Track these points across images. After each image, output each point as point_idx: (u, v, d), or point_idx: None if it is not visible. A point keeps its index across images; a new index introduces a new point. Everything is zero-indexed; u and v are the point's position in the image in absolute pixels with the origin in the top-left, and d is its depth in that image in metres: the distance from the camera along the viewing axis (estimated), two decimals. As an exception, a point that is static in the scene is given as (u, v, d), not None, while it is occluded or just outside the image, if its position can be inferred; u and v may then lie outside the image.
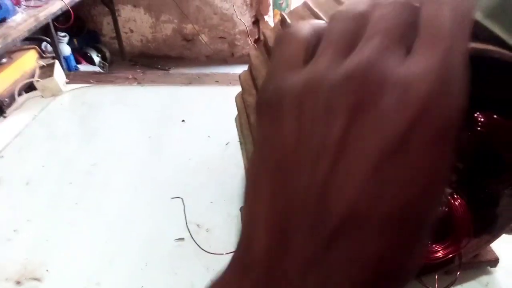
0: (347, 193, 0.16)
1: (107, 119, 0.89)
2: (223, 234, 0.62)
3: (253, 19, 2.80)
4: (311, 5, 0.45)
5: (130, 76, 1.04)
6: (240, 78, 0.52)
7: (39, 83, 0.95)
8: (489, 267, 0.55)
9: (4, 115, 0.90)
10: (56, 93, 0.96)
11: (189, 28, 2.90)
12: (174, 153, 0.78)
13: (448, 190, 0.46)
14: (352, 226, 0.15)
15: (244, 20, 2.81)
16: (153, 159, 0.77)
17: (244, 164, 0.48)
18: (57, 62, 0.98)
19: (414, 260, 0.17)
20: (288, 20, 0.46)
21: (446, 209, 0.46)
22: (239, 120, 0.51)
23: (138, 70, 1.35)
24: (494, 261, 0.54)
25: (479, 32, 0.34)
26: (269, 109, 0.19)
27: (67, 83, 1.01)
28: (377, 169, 0.16)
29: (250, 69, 0.50)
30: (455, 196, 0.46)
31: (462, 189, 0.46)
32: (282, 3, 2.59)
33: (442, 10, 0.17)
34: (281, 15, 0.48)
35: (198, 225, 0.63)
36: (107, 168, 0.74)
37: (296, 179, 0.17)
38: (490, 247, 0.55)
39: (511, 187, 0.46)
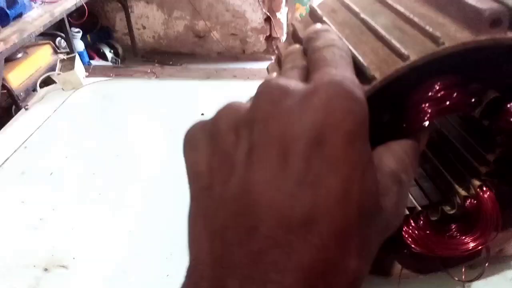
0: (266, 200, 0.16)
1: (128, 112, 0.90)
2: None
3: (265, 16, 2.80)
4: (341, -4, 0.45)
5: (149, 71, 1.05)
6: (268, 69, 0.53)
7: (60, 76, 0.96)
8: (514, 262, 0.55)
9: (26, 107, 0.92)
10: (76, 86, 0.97)
11: (201, 24, 2.91)
12: (195, 146, 0.78)
13: (477, 182, 0.46)
14: (278, 232, 0.15)
15: (256, 17, 2.81)
16: (176, 151, 0.77)
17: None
18: (77, 55, 0.99)
19: (357, 260, 0.16)
20: (319, 12, 0.46)
21: (475, 201, 0.46)
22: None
23: (156, 65, 1.36)
24: (520, 256, 0.54)
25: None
26: (190, 141, 0.22)
27: (86, 76, 1.02)
28: (294, 169, 0.16)
29: (279, 59, 0.50)
30: (484, 188, 0.45)
31: (491, 182, 0.46)
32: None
33: (320, 48, 0.23)
34: (311, 7, 0.48)
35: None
36: (130, 160, 0.75)
37: (220, 196, 0.18)
38: (515, 241, 0.54)
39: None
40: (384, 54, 0.35)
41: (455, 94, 0.36)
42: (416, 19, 0.36)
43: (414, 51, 0.33)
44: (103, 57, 2.72)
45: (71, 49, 2.17)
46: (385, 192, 0.20)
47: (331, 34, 0.27)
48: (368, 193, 0.17)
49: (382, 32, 0.36)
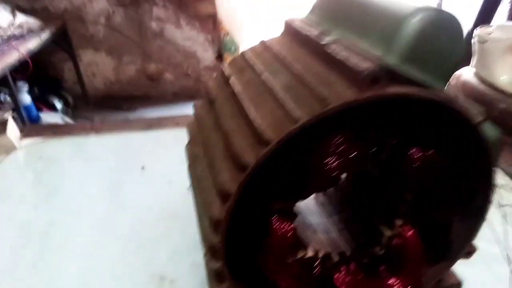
0: None
1: (64, 174, 0.86)
2: (187, 285, 0.60)
3: (216, 55, 2.85)
4: (247, 56, 0.47)
5: (88, 126, 1.03)
6: (188, 128, 0.52)
7: (-9, 141, 0.92)
8: (453, 292, 0.55)
9: (-45, 178, 0.86)
10: (9, 150, 0.93)
11: (152, 67, 2.91)
12: (134, 203, 0.76)
13: (399, 222, 0.46)
14: None
15: (208, 56, 2.85)
16: (113, 211, 0.75)
17: (198, 214, 0.47)
18: (10, 117, 0.95)
19: None
20: (227, 72, 0.47)
21: (400, 240, 0.47)
22: (189, 170, 0.51)
23: (96, 118, 1.34)
24: (457, 285, 0.54)
25: (398, 77, 0.36)
26: None
27: (21, 138, 0.98)
28: None
29: (197, 119, 0.50)
30: (407, 226, 0.46)
31: (412, 219, 0.47)
32: (231, 47, 2.65)
33: None
34: (220, 68, 0.49)
35: (161, 277, 0.61)
36: (66, 227, 0.72)
37: None
38: (452, 271, 0.55)
39: (458, 214, 0.47)
40: (280, 115, 0.36)
41: (353, 150, 0.37)
42: (308, 79, 0.37)
43: (305, 112, 0.34)
44: (53, 108, 2.65)
45: (16, 104, 2.10)
46: None
47: None
48: None
49: (279, 93, 0.37)
